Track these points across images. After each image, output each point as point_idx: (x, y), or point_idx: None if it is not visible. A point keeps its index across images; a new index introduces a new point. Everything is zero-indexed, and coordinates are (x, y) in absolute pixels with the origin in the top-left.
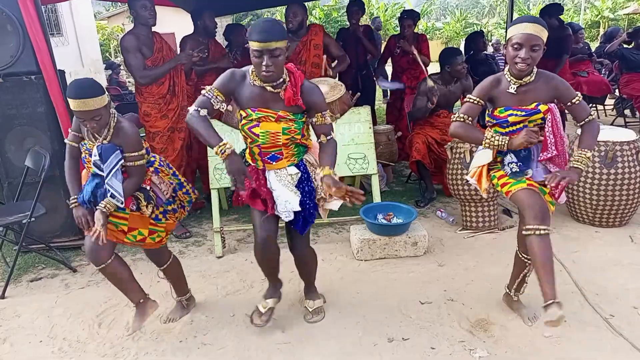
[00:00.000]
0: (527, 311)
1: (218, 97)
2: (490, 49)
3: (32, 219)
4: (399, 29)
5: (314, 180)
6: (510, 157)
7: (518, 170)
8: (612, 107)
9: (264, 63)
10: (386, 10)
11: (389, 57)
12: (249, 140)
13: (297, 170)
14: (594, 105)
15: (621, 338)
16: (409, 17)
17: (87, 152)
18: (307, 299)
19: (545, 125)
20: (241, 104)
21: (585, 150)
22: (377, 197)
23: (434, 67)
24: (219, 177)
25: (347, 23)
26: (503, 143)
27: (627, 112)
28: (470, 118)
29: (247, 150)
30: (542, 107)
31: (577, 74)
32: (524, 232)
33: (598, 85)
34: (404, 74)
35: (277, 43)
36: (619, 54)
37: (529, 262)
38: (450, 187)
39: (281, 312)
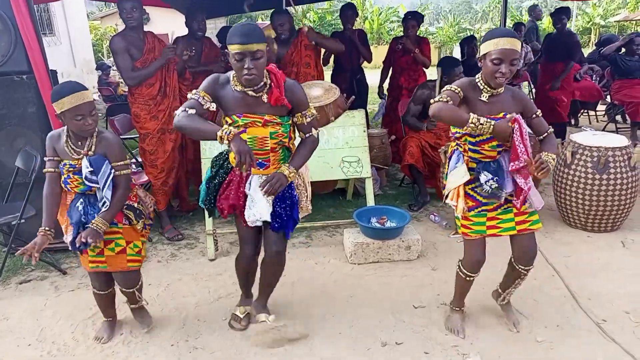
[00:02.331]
0: (513, 317)
1: (205, 97)
2: None
3: (22, 220)
4: (394, 33)
5: (295, 188)
6: (485, 176)
7: (497, 185)
8: (603, 113)
9: (245, 66)
10: (380, 14)
11: (392, 60)
12: None
13: None
14: (586, 110)
15: (613, 343)
16: (413, 18)
17: (70, 169)
18: (260, 312)
19: (514, 134)
20: (225, 109)
21: (552, 153)
22: (370, 201)
23: (432, 71)
24: None
25: (342, 27)
26: (488, 126)
27: (618, 118)
28: (450, 101)
29: (232, 156)
30: (509, 117)
31: (575, 80)
32: (457, 267)
33: (590, 91)
34: (402, 75)
35: (258, 45)
36: (612, 59)
37: (524, 272)
38: (444, 191)
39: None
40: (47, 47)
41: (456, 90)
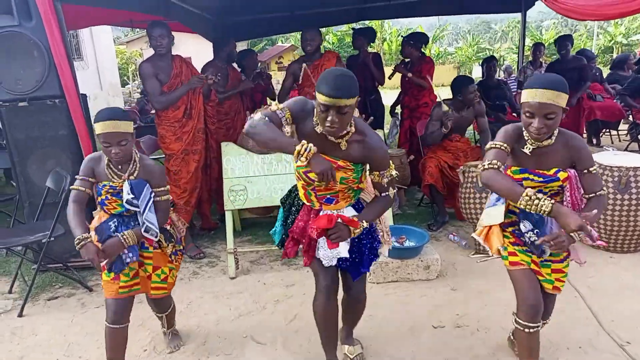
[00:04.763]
0: None
1: (288, 119)
2: (502, 74)
3: (52, 239)
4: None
5: (376, 224)
6: (524, 226)
7: (537, 238)
8: (626, 132)
9: (328, 119)
10: (398, 35)
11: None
12: (301, 182)
13: (355, 212)
14: (608, 130)
15: None
16: (409, 39)
17: (110, 190)
18: (345, 343)
19: (564, 196)
20: (301, 138)
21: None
22: (389, 220)
23: (445, 92)
24: (233, 198)
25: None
26: (546, 210)
27: None
28: (501, 165)
29: (300, 191)
30: (562, 175)
31: (591, 98)
32: (514, 324)
33: (612, 111)
34: (407, 95)
35: (348, 101)
36: (634, 79)
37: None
38: (463, 210)
39: (291, 333)
40: (76, 72)
41: (503, 147)
